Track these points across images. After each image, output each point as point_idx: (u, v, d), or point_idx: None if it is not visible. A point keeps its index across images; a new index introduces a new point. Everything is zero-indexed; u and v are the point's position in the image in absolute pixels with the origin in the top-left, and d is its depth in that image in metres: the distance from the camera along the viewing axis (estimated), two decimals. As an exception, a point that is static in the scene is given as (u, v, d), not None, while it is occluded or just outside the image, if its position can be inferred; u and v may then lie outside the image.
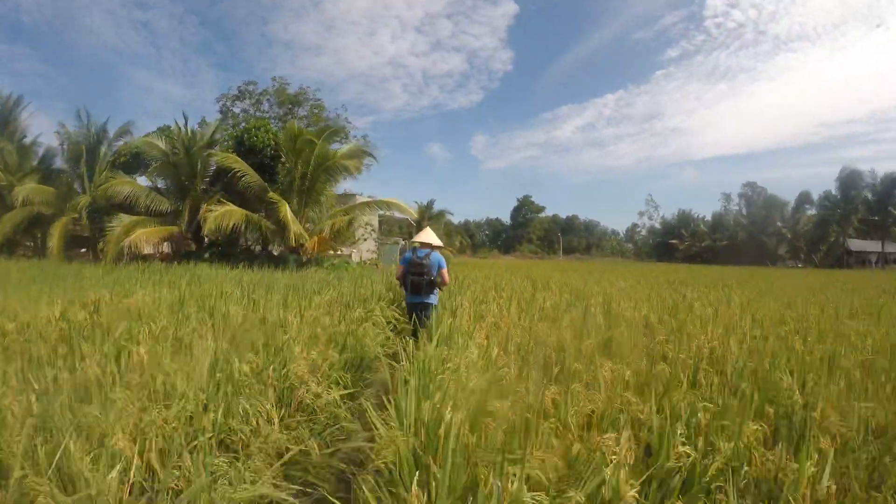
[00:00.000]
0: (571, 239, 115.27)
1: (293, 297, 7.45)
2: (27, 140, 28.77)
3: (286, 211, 17.90)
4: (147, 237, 20.57)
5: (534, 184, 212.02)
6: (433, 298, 7.29)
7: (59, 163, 28.06)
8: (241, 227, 19.47)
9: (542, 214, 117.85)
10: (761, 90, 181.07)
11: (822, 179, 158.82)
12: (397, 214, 28.03)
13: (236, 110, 30.26)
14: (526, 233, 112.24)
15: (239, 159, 20.06)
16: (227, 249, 21.87)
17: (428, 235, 7.64)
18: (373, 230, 28.29)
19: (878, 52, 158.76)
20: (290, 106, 28.38)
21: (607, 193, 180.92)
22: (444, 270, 7.29)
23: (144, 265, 17.17)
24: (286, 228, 17.76)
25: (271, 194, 18.98)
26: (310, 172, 20.06)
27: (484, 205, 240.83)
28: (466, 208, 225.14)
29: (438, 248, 7.67)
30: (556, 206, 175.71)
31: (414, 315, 7.01)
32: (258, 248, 23.02)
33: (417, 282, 7.07)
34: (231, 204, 19.21)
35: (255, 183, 19.81)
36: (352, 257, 30.92)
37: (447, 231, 65.80)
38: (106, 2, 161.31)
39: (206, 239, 22.31)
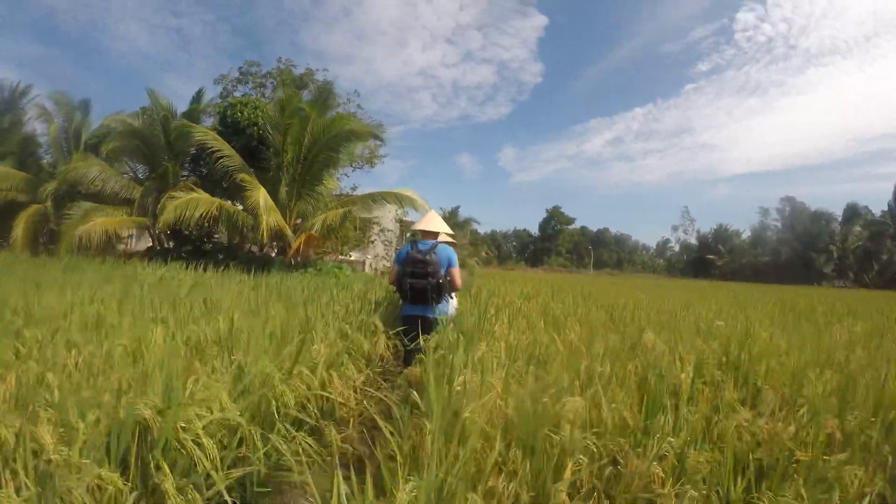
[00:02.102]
0: (602, 252, 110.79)
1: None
2: (29, 127, 26.21)
3: (258, 197, 13.79)
4: (109, 227, 16.99)
5: (563, 197, 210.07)
6: (442, 309, 5.14)
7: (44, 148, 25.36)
8: (211, 221, 15.56)
9: (572, 227, 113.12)
10: (792, 105, 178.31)
11: (854, 196, 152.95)
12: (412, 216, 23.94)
13: (238, 94, 26.61)
14: (554, 245, 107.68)
15: (218, 137, 16.25)
16: (203, 246, 18.24)
17: (432, 222, 5.63)
18: (381, 231, 23.91)
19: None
20: (294, 88, 24.58)
21: (636, 208, 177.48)
22: (456, 270, 5.27)
23: (101, 259, 14.05)
24: (259, 219, 13.68)
25: (243, 176, 14.88)
26: (303, 154, 16.02)
27: (512, 217, 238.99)
28: (494, 220, 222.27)
29: (449, 242, 5.82)
30: (585, 219, 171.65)
31: (414, 332, 4.54)
32: (254, 248, 19.04)
33: (420, 287, 5.04)
34: (201, 191, 15.45)
35: (236, 167, 15.95)
36: (365, 264, 26.99)
37: (472, 240, 62.12)
38: (140, 9, 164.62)
39: (188, 233, 18.64)
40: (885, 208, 64.20)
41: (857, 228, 63.91)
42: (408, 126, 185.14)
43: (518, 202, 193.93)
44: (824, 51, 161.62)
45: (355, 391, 3.48)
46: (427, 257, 5.04)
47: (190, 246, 18.58)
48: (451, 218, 55.40)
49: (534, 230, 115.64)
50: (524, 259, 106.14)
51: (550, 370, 2.79)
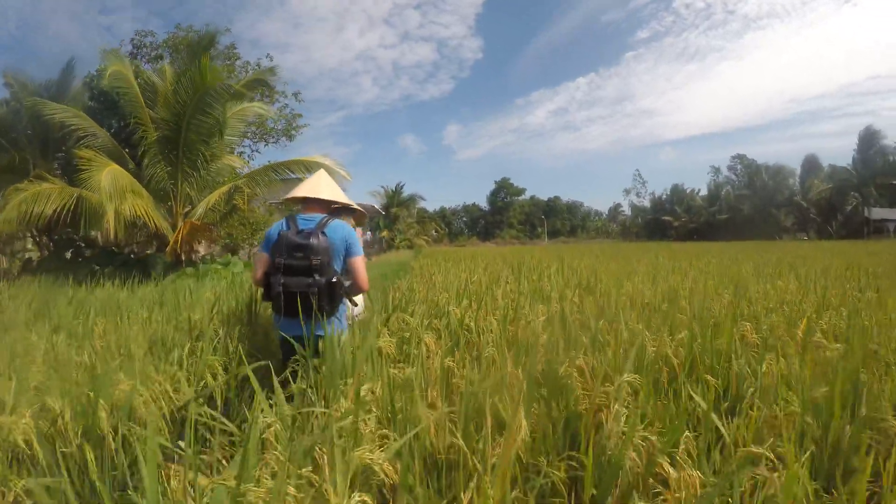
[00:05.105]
0: (555, 221, 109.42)
1: None
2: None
3: (100, 177, 10.29)
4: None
5: (509, 171, 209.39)
6: (337, 325, 3.08)
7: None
8: (67, 217, 11.82)
9: (522, 197, 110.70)
10: (731, 69, 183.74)
11: (793, 155, 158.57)
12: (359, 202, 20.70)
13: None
14: (506, 218, 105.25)
15: (82, 114, 12.81)
16: (80, 252, 14.87)
17: (319, 186, 3.39)
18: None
19: (847, 28, 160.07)
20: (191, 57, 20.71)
21: (583, 176, 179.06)
22: (359, 261, 3.22)
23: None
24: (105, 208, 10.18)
25: (80, 152, 11.10)
26: (183, 120, 12.16)
27: (459, 195, 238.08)
28: (443, 197, 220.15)
29: (346, 212, 3.80)
30: (534, 189, 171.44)
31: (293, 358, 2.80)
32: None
33: (298, 289, 2.97)
34: (56, 181, 12.08)
35: (104, 146, 12.55)
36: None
37: (420, 218, 58.91)
38: (70, 5, 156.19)
39: (57, 237, 15.24)
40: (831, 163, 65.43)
41: (816, 181, 63.69)
42: (350, 111, 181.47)
43: (465, 178, 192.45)
44: (762, 14, 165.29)
45: None
46: (311, 241, 3.04)
47: (70, 252, 15.22)
48: (394, 196, 51.85)
49: (483, 204, 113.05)
50: (476, 234, 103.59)
51: None
